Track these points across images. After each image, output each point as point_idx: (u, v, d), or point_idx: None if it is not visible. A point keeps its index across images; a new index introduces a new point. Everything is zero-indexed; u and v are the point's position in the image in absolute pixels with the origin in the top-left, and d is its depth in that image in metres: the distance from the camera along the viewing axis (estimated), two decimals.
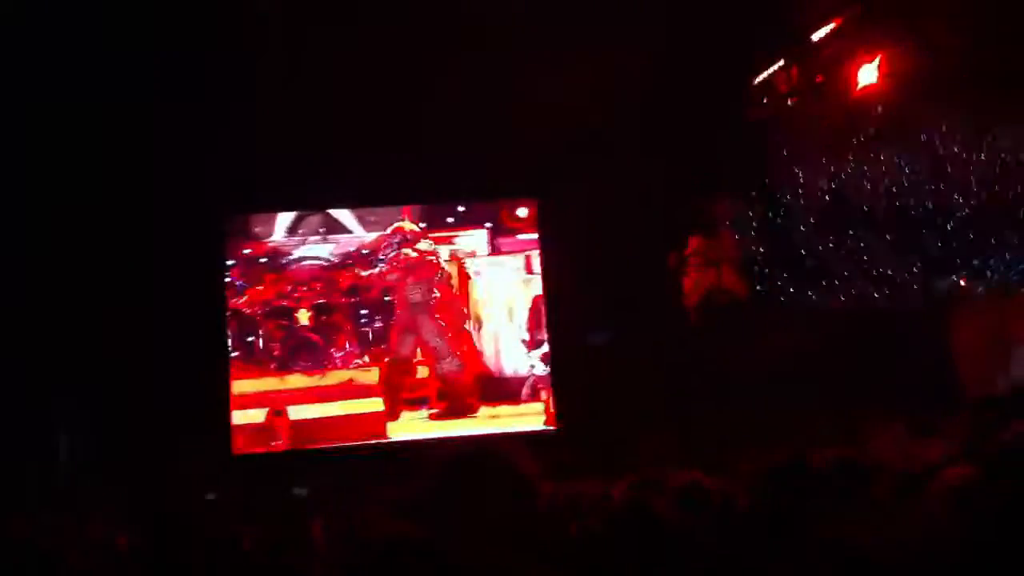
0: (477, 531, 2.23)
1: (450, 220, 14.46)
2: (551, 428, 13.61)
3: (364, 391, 13.59)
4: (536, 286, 14.18)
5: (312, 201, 14.08)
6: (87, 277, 12.27)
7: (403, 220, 14.14)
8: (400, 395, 13.83)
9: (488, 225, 14.42)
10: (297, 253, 14.02)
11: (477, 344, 14.23)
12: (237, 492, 10.72)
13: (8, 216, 11.89)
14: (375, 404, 13.56)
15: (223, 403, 13.34)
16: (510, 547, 2.22)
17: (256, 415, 13.43)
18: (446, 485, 2.29)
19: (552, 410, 13.83)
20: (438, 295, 13.99)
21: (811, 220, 13.89)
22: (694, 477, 3.93)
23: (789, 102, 13.29)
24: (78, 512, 6.50)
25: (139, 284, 12.39)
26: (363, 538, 4.09)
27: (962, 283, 13.45)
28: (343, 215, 14.11)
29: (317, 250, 14.03)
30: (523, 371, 14.12)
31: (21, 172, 11.93)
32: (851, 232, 13.77)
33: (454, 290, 14.24)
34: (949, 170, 13.43)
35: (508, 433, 12.78)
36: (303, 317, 13.79)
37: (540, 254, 14.34)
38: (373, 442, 13.44)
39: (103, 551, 5.45)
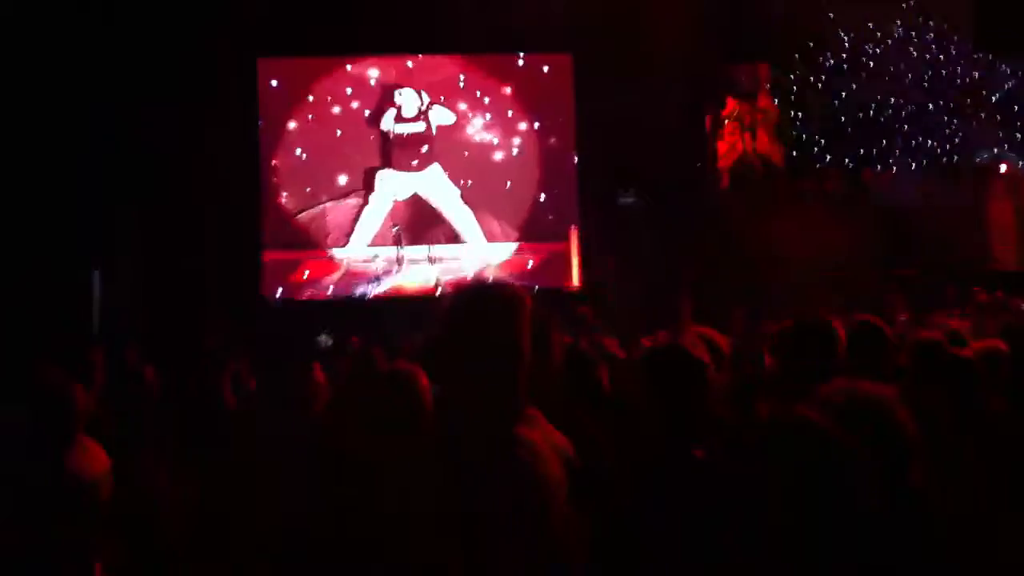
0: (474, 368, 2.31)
1: None
2: (575, 286, 13.68)
3: None
4: None
5: (342, 47, 14.02)
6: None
7: None
8: None
9: None
10: None
11: None
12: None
13: None
14: None
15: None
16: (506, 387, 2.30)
17: None
18: (451, 320, 2.34)
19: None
20: None
21: (853, 86, 13.65)
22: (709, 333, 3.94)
23: None
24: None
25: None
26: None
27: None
28: None
29: None
30: None
31: None
32: (893, 99, 13.55)
33: None
34: None
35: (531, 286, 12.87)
36: None
37: (575, 111, 14.24)
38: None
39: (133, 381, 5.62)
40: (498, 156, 14.74)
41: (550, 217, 14.48)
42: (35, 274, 11.53)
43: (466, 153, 14.66)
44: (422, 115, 14.53)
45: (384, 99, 14.64)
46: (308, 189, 14.37)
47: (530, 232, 14.45)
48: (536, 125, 14.75)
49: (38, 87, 11.59)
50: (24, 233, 11.56)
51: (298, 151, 14.41)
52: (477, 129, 14.80)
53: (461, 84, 14.76)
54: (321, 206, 14.40)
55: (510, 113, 14.80)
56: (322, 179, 14.41)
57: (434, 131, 14.59)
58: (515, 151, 14.75)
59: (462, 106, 14.73)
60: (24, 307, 11.06)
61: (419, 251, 14.23)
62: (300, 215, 14.31)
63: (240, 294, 13.00)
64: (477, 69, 14.76)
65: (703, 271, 12.51)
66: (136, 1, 12.23)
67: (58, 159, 11.75)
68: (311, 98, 14.53)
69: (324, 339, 11.85)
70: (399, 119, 14.53)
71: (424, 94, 14.56)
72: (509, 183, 14.60)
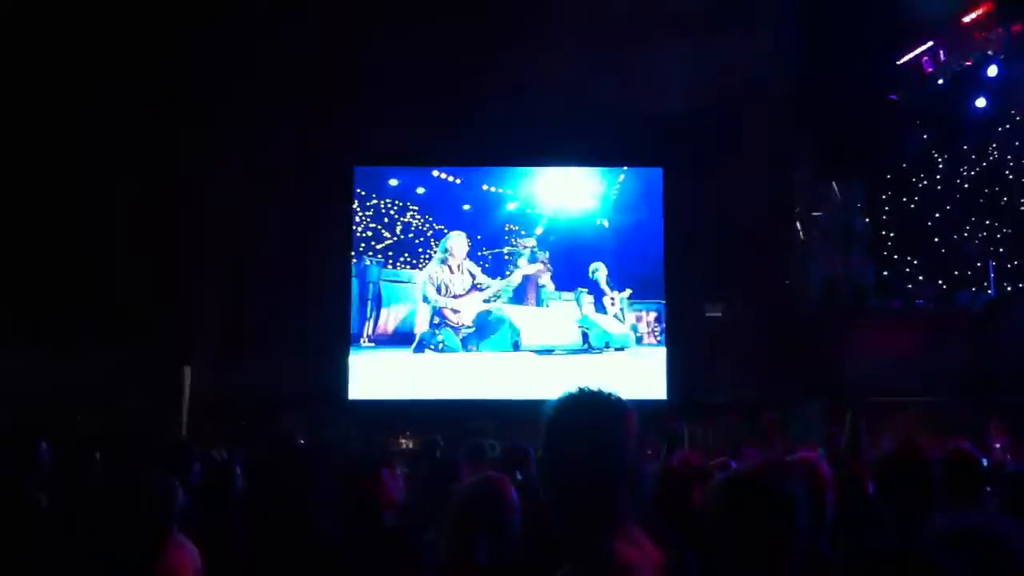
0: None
1: None
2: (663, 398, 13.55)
3: None
4: None
5: (441, 158, 14.13)
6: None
7: None
8: None
9: None
10: None
11: None
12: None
13: None
14: None
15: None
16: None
17: None
18: (554, 428, 2.32)
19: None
20: None
21: (947, 207, 13.55)
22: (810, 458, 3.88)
23: (937, 82, 12.96)
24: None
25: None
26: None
27: None
28: None
29: None
30: None
31: None
32: (987, 223, 13.40)
33: None
34: None
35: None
36: None
37: (664, 222, 14.09)
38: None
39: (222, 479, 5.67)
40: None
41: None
42: (127, 369, 11.82)
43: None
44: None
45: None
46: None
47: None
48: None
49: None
50: (117, 327, 11.88)
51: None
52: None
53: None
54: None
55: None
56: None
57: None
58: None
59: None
60: (119, 403, 11.32)
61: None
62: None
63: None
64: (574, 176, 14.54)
65: (789, 389, 12.33)
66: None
67: (159, 254, 12.14)
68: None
69: (405, 441, 11.85)
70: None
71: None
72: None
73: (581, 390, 2.36)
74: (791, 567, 2.69)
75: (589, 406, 2.33)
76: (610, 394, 2.38)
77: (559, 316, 13.88)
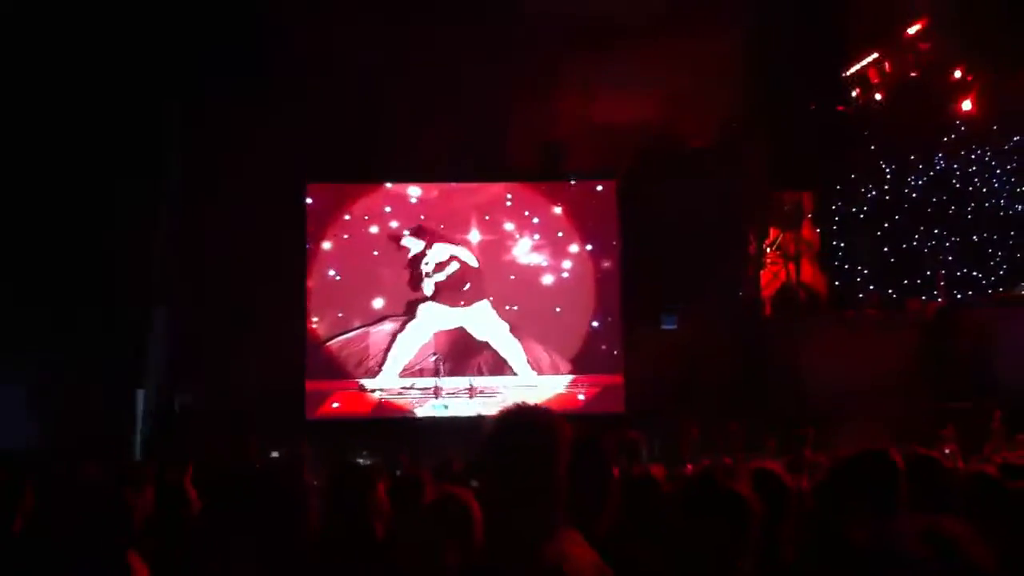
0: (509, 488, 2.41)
1: None
2: (620, 411, 13.55)
3: None
4: None
5: (399, 175, 14.19)
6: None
7: None
8: None
9: None
10: None
11: None
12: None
13: None
14: None
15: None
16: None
17: None
18: (492, 443, 2.44)
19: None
20: None
21: (896, 217, 13.71)
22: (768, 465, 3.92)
23: (879, 96, 13.13)
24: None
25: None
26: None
27: None
28: None
29: None
30: None
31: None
32: (936, 231, 13.58)
33: None
34: None
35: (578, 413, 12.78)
36: None
37: (618, 236, 14.19)
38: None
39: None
40: (547, 280, 14.41)
41: (603, 347, 14.12)
42: (80, 390, 11.66)
43: (512, 277, 14.34)
44: (454, 258, 14.19)
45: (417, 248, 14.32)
46: (340, 314, 14.09)
47: (582, 364, 14.07)
48: (588, 247, 14.38)
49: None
50: (72, 348, 11.72)
51: (331, 272, 14.15)
52: (525, 251, 14.42)
53: (508, 203, 14.47)
54: (353, 332, 14.05)
55: (560, 234, 14.45)
56: (355, 303, 14.12)
57: (473, 265, 14.32)
58: (565, 274, 14.39)
59: (509, 226, 14.41)
60: (69, 423, 11.16)
61: (459, 383, 13.83)
62: (331, 342, 13.97)
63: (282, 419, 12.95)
64: (524, 188, 14.49)
65: (747, 398, 12.40)
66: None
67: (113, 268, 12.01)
68: (347, 216, 14.28)
69: (363, 461, 11.79)
70: (432, 271, 14.18)
71: (450, 247, 14.27)
72: (559, 308, 14.25)
73: (518, 406, 2.50)
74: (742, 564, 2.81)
75: (525, 421, 2.46)
76: (545, 409, 2.53)
77: None
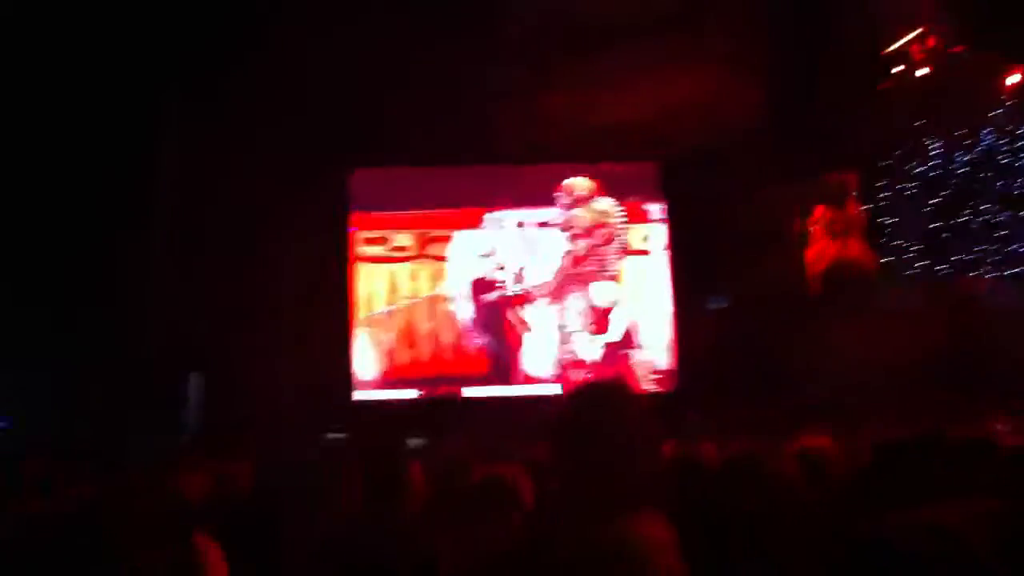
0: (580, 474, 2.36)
1: None
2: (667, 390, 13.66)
3: None
4: None
5: (440, 158, 14.24)
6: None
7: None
8: None
9: None
10: None
11: None
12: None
13: None
14: None
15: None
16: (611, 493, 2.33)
17: None
18: (567, 418, 2.40)
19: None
20: None
21: (943, 193, 13.66)
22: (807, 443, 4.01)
23: (923, 72, 13.06)
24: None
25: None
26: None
27: None
28: None
29: None
30: None
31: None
32: (984, 207, 13.52)
33: None
34: None
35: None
36: None
37: (666, 217, 14.39)
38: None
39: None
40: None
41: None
42: (133, 379, 11.92)
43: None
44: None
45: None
46: None
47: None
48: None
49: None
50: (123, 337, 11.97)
51: None
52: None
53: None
54: None
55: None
56: None
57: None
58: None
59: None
60: (122, 409, 11.40)
61: None
62: None
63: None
64: (566, 169, 14.69)
65: (796, 376, 12.44)
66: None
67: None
68: None
69: (414, 441, 11.92)
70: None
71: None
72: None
73: (593, 381, 2.50)
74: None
75: (601, 394, 2.43)
76: (621, 384, 2.50)
77: None
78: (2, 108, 11.49)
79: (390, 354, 14.04)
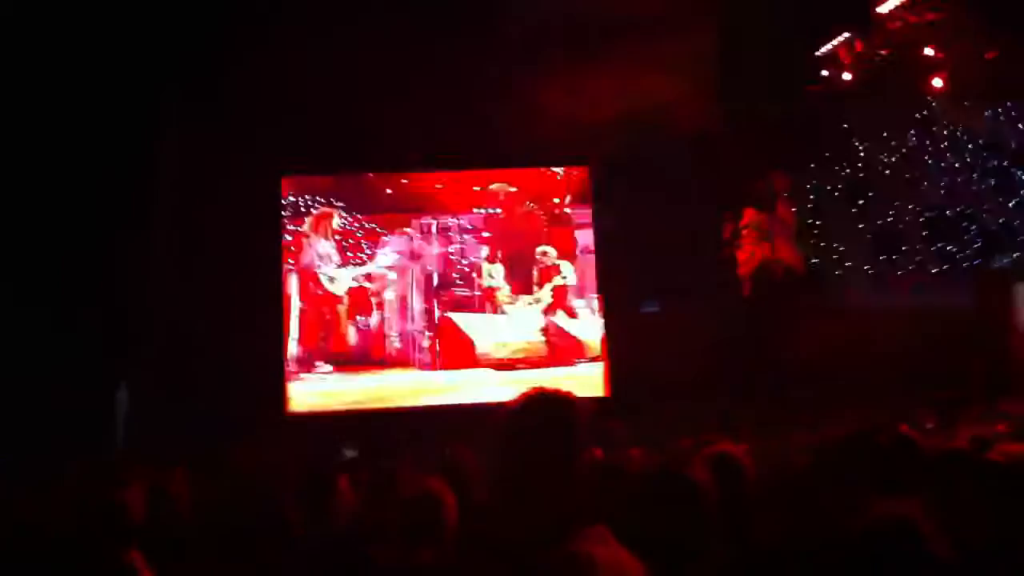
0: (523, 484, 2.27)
1: None
2: (603, 396, 13.59)
3: None
4: None
5: (369, 164, 14.18)
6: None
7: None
8: None
9: None
10: None
11: None
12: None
13: None
14: None
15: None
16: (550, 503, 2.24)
17: None
18: (508, 430, 2.32)
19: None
20: None
21: (869, 194, 13.80)
22: (727, 448, 3.98)
23: (850, 76, 13.17)
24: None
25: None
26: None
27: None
28: None
29: None
30: None
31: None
32: (909, 207, 13.67)
33: None
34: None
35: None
36: None
37: (593, 221, 14.31)
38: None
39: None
40: None
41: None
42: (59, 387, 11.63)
43: None
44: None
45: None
46: None
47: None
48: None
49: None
50: (51, 344, 11.68)
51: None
52: None
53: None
54: None
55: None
56: None
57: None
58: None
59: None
60: (46, 421, 11.12)
61: None
62: None
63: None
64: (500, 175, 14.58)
65: (729, 379, 12.47)
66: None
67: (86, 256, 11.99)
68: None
69: (350, 451, 11.78)
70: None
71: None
72: None
73: (537, 391, 2.39)
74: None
75: (547, 406, 2.34)
76: (565, 394, 2.40)
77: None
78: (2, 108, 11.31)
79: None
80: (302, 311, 13.83)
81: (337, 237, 14.00)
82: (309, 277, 13.83)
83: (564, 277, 14.11)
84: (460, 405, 13.32)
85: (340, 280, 13.90)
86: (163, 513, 5.14)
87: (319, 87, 12.46)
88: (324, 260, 13.92)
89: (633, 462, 5.95)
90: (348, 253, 14.04)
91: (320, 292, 13.85)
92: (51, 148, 11.69)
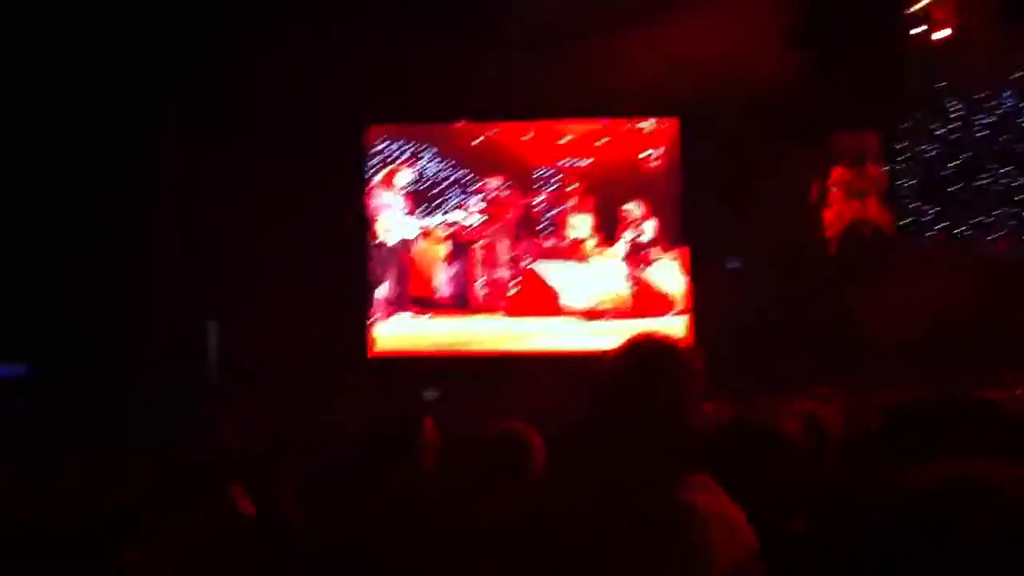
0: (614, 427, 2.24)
1: None
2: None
3: None
4: None
5: (459, 113, 14.21)
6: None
7: None
8: None
9: None
10: None
11: None
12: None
13: None
14: None
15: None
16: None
17: None
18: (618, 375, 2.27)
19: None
20: None
21: (963, 156, 13.58)
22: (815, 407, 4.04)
23: (943, 34, 12.94)
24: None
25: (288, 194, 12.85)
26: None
27: None
28: None
29: None
30: None
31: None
32: (1003, 170, 13.44)
33: None
34: None
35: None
36: None
37: (681, 175, 14.23)
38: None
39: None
40: None
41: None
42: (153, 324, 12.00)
43: None
44: None
45: None
46: None
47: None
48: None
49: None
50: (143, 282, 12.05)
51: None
52: None
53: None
54: None
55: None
56: None
57: None
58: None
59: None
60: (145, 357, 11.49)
61: None
62: None
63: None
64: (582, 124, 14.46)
65: (811, 338, 12.44)
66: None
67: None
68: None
69: (431, 393, 11.96)
70: None
71: None
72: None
73: (643, 336, 2.37)
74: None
75: (653, 350, 2.32)
76: (673, 341, 2.39)
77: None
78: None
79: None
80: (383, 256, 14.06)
81: (410, 188, 14.18)
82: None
83: (647, 231, 14.12)
84: (545, 352, 13.46)
85: (398, 230, 14.10)
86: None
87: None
88: (386, 209, 14.10)
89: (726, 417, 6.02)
90: (425, 204, 14.21)
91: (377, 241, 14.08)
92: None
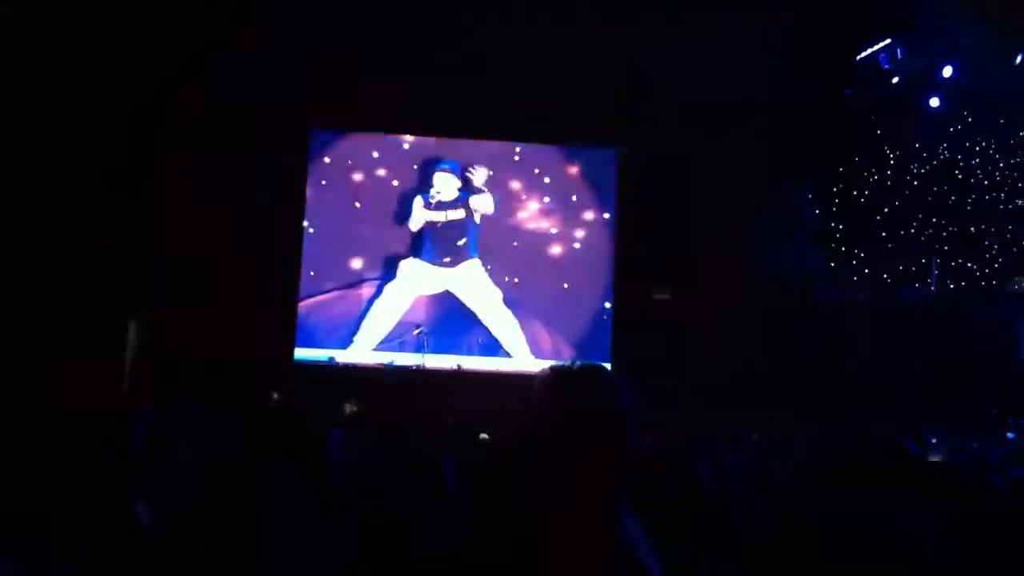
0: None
1: None
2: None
3: None
4: None
5: (399, 126, 13.85)
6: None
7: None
8: None
9: None
10: None
11: None
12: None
13: None
14: None
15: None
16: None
17: None
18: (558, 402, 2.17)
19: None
20: None
21: (895, 203, 13.74)
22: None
23: (892, 81, 13.09)
24: None
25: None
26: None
27: None
28: None
29: None
30: None
31: None
32: (934, 220, 13.62)
33: None
34: None
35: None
36: None
37: (617, 205, 13.79)
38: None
39: None
40: (556, 250, 13.46)
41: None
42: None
43: (515, 244, 13.38)
44: (461, 202, 13.21)
45: (419, 178, 13.37)
46: (312, 272, 13.17)
47: (589, 348, 12.92)
48: (606, 216, 13.53)
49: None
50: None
51: (305, 224, 13.31)
52: (531, 215, 13.48)
53: (517, 157, 13.60)
54: (324, 295, 13.15)
55: (574, 198, 13.56)
56: (330, 262, 13.19)
57: (476, 220, 13.24)
58: (577, 245, 13.49)
59: (515, 185, 13.51)
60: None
61: (444, 361, 12.82)
62: (299, 304, 13.05)
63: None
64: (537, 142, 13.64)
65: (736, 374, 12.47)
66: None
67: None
68: (327, 159, 13.50)
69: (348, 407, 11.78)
70: (433, 205, 13.12)
71: (470, 172, 13.28)
72: (567, 285, 13.36)
73: (584, 364, 2.28)
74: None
75: (593, 374, 2.24)
76: (613, 373, 2.31)
77: None
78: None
79: None
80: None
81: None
82: None
83: None
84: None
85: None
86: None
87: None
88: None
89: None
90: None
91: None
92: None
